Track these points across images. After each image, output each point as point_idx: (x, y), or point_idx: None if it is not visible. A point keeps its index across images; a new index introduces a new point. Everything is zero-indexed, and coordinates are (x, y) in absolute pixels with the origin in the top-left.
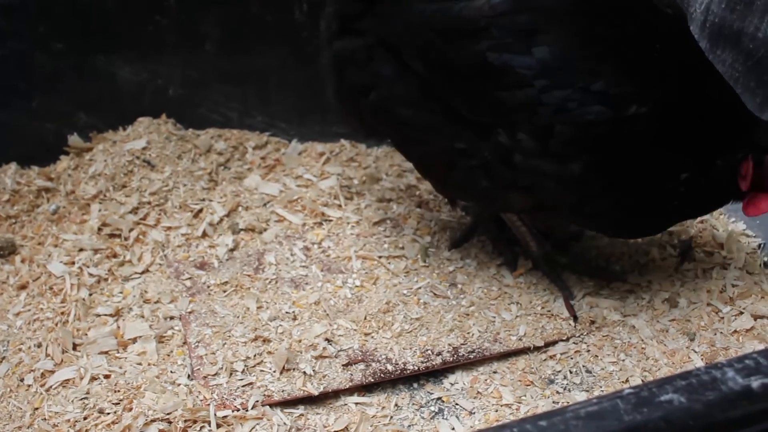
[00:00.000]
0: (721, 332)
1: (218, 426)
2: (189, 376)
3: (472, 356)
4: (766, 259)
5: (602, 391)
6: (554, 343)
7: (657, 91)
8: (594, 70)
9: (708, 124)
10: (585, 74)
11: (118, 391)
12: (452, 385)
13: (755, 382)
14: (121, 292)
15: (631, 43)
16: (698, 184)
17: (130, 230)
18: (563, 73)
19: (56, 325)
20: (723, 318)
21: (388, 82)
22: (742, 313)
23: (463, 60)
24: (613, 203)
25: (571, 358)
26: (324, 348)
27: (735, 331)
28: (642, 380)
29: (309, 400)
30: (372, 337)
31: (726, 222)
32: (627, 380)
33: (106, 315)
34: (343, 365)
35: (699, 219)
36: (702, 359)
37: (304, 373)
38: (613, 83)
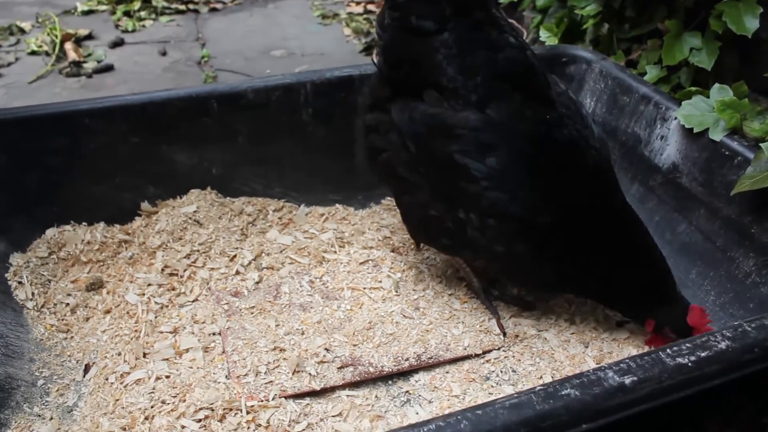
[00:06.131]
0: (606, 341)
1: (248, 413)
2: (226, 376)
3: (430, 361)
4: None
5: (524, 385)
6: (490, 351)
7: (561, 207)
8: (519, 182)
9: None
10: (514, 183)
11: (176, 387)
12: (416, 382)
13: (628, 380)
14: (178, 315)
15: (553, 167)
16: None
17: (185, 270)
18: (501, 179)
19: (131, 339)
20: (607, 330)
21: (395, 148)
22: (620, 326)
23: (440, 153)
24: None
25: (502, 362)
26: (324, 355)
27: (615, 340)
28: (552, 377)
29: (313, 394)
30: (359, 347)
31: None
32: (541, 377)
33: (167, 332)
34: (337, 368)
35: None
36: (594, 361)
37: (310, 374)
38: (531, 195)
